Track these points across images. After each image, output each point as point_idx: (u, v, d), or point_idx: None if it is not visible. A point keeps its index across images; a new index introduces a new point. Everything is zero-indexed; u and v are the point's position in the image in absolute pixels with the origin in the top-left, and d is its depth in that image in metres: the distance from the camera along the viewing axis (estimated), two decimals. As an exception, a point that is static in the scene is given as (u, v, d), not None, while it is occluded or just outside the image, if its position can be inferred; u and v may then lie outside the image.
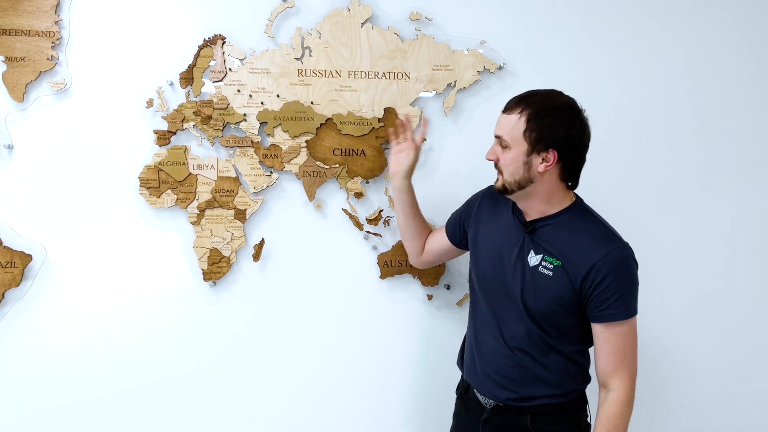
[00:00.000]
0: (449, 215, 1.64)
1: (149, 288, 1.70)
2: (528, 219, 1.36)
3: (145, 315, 1.71)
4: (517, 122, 1.28)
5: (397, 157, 1.58)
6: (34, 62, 1.59)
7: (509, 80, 1.76)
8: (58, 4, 1.59)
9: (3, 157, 1.61)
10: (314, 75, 1.69)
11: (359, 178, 1.73)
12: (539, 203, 1.33)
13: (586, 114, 1.31)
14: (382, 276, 1.78)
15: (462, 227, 1.54)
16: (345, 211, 1.75)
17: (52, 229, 1.65)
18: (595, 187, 1.80)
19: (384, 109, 1.72)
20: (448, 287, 1.81)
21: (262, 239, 1.72)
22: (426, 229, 1.64)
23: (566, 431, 1.40)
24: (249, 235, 1.72)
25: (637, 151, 1.83)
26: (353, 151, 1.72)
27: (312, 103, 1.69)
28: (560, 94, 1.31)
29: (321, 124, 1.70)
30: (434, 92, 1.74)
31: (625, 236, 1.33)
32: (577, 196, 1.39)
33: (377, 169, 1.73)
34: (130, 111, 1.64)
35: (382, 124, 1.72)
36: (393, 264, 1.77)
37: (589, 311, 1.31)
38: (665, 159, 1.84)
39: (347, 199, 1.75)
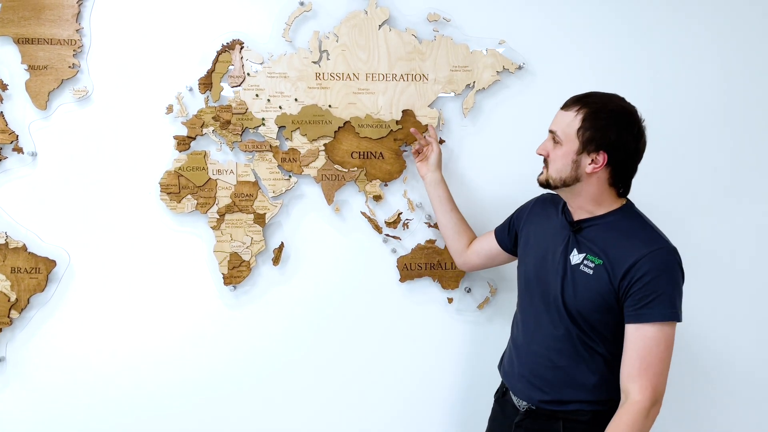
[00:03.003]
0: (469, 216, 1.64)
1: (170, 292, 1.71)
2: (575, 219, 1.36)
3: (166, 319, 1.72)
4: (573, 119, 1.28)
5: (425, 158, 1.65)
6: (56, 70, 1.61)
7: (529, 80, 1.74)
8: (79, 12, 1.61)
9: (27, 164, 1.64)
10: (332, 78, 1.69)
11: (378, 180, 1.72)
12: (586, 203, 1.33)
13: (645, 123, 1.29)
14: (402, 279, 1.77)
15: (513, 232, 1.55)
16: (364, 214, 1.74)
17: (76, 234, 1.67)
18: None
19: (402, 112, 1.71)
20: (469, 290, 1.80)
21: (282, 243, 1.73)
22: (466, 224, 1.65)
23: None
24: (268, 239, 1.72)
25: (662, 151, 1.79)
26: (371, 153, 1.71)
27: (330, 106, 1.69)
28: (621, 99, 1.31)
29: (339, 128, 1.69)
30: (453, 93, 1.72)
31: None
32: (628, 200, 1.36)
33: (396, 171, 1.72)
34: (151, 117, 1.66)
35: (400, 126, 1.71)
36: (412, 267, 1.76)
37: (625, 309, 1.26)
38: (691, 159, 1.81)
39: (366, 202, 1.74)
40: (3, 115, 1.61)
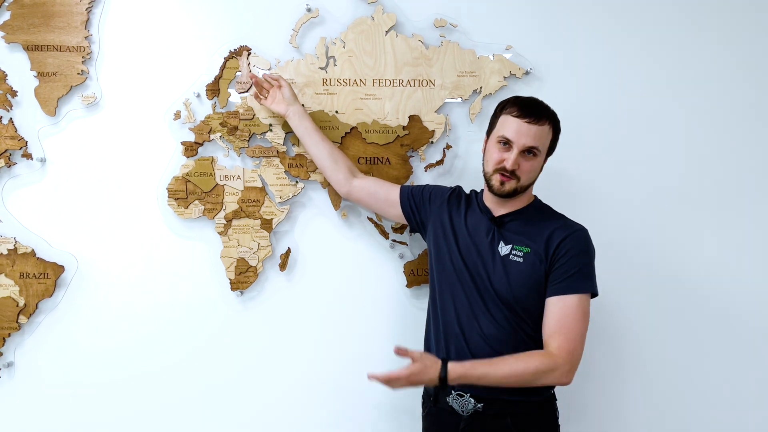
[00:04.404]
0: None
1: (178, 298, 1.72)
2: (496, 215, 1.45)
3: (173, 324, 1.72)
4: (548, 132, 1.40)
5: (275, 97, 1.60)
6: (65, 77, 1.62)
7: (536, 85, 1.73)
8: (88, 19, 1.62)
9: (36, 171, 1.65)
10: (339, 84, 1.69)
11: (385, 186, 1.72)
12: (519, 200, 1.44)
13: None
14: (409, 285, 1.76)
15: (417, 206, 1.57)
16: (370, 219, 1.74)
17: (84, 240, 1.68)
18: (625, 187, 1.78)
19: (409, 117, 1.71)
20: (476, 296, 1.79)
21: (289, 249, 1.73)
22: (339, 151, 1.64)
23: (545, 429, 1.45)
24: (275, 244, 1.72)
25: (665, 154, 1.78)
26: (378, 159, 1.71)
27: (337, 112, 1.69)
28: None
29: (346, 133, 1.70)
30: (460, 99, 1.72)
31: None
32: (534, 195, 1.50)
33: (402, 177, 1.72)
34: (158, 123, 1.67)
35: (407, 132, 1.71)
36: (419, 273, 1.76)
37: (549, 284, 1.37)
38: (693, 162, 1.79)
39: (373, 207, 1.74)
40: (12, 122, 1.63)
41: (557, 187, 1.71)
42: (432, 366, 1.32)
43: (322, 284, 1.75)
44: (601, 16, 1.74)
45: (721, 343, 1.84)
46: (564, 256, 1.36)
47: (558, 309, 1.35)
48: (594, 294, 1.39)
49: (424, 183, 1.73)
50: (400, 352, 1.32)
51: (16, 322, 1.65)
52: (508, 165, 1.36)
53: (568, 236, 1.38)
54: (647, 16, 1.75)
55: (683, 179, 1.80)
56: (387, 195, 1.60)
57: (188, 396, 1.74)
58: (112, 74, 1.65)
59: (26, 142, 1.63)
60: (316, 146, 1.60)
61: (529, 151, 1.37)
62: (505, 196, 1.40)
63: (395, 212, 1.61)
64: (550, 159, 1.46)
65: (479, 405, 1.40)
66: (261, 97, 1.63)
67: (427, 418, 1.54)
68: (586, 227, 1.43)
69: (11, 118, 1.63)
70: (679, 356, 1.84)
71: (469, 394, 1.41)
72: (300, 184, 1.70)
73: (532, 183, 1.44)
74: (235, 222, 1.69)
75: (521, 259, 1.39)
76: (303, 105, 1.66)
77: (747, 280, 1.83)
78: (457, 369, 1.32)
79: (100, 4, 1.63)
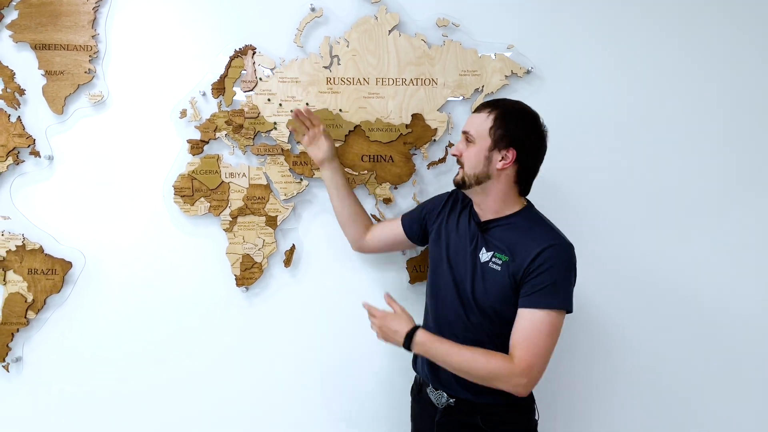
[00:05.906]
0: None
1: (184, 293, 1.74)
2: (483, 220, 1.45)
3: (180, 320, 1.75)
4: (485, 120, 1.39)
5: (316, 144, 1.63)
6: (72, 75, 1.64)
7: (537, 84, 1.75)
8: (95, 19, 1.64)
9: (43, 168, 1.67)
10: (342, 83, 1.71)
11: (387, 183, 1.74)
12: (493, 202, 1.42)
13: (546, 130, 1.42)
14: (412, 281, 1.78)
15: (423, 225, 1.59)
16: (374, 216, 1.76)
17: (91, 236, 1.70)
18: (626, 186, 1.80)
19: (412, 116, 1.73)
20: (478, 292, 1.81)
21: (293, 245, 1.75)
22: (361, 209, 1.68)
23: (516, 430, 1.46)
24: (280, 241, 1.74)
25: (666, 156, 1.80)
26: (381, 157, 1.73)
27: (340, 110, 1.71)
28: (527, 106, 1.43)
29: (349, 131, 1.72)
30: (462, 97, 1.74)
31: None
32: (528, 201, 1.47)
33: (405, 175, 1.74)
34: (165, 121, 1.69)
35: (410, 130, 1.73)
36: (422, 269, 1.78)
37: (521, 294, 1.35)
38: (694, 164, 1.81)
39: (376, 204, 1.76)
40: (20, 120, 1.64)
41: (557, 186, 1.74)
42: (404, 327, 1.40)
43: (325, 280, 1.78)
44: (603, 15, 1.75)
45: (715, 351, 1.86)
46: (539, 268, 1.32)
47: (526, 322, 1.32)
48: (568, 311, 1.35)
49: (426, 181, 1.76)
50: (389, 301, 1.44)
51: (25, 317, 1.67)
52: (452, 150, 1.46)
53: (547, 248, 1.33)
54: (649, 15, 1.76)
55: (685, 178, 1.81)
56: (394, 235, 1.64)
57: (193, 391, 1.77)
58: (119, 73, 1.67)
59: (34, 140, 1.65)
60: (342, 203, 1.64)
61: (467, 139, 1.42)
62: (459, 186, 1.44)
63: (409, 244, 1.65)
64: (546, 160, 1.43)
65: (451, 400, 1.46)
66: (299, 134, 1.67)
67: (414, 406, 1.63)
68: (581, 231, 1.42)
69: (19, 117, 1.64)
70: (672, 363, 1.86)
71: (441, 389, 1.47)
72: (304, 182, 1.73)
73: (483, 175, 1.38)
74: (240, 219, 1.71)
75: (499, 268, 1.38)
76: (325, 131, 1.65)
77: (742, 287, 1.85)
78: (422, 337, 1.38)
79: (107, 3, 1.65)
